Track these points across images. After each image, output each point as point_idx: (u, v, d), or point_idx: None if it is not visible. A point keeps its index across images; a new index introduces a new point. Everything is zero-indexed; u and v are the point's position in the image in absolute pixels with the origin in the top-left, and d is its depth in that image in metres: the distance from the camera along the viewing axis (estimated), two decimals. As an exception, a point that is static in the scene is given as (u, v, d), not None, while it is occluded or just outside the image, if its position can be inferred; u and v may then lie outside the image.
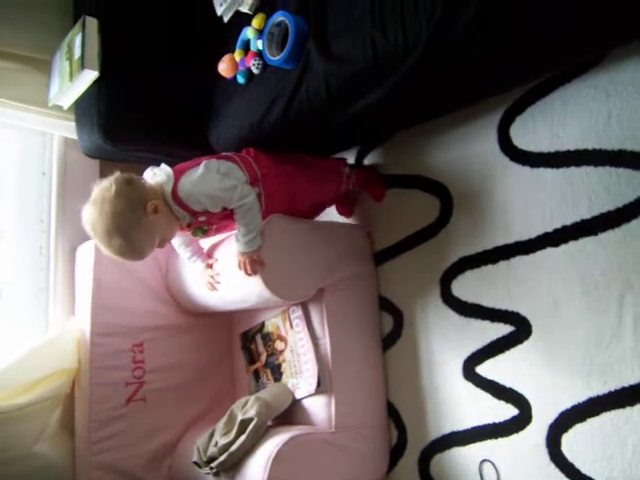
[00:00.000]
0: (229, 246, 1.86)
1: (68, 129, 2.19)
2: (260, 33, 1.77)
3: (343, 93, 1.60)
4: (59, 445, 2.04)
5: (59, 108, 2.13)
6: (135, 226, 1.54)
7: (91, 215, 1.54)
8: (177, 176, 1.63)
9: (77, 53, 1.92)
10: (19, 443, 1.90)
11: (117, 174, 1.58)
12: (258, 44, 1.76)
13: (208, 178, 1.63)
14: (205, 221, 1.70)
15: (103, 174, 2.33)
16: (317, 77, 1.62)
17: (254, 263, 1.71)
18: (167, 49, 2.07)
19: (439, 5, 1.31)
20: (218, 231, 1.81)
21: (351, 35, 1.53)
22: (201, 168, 1.64)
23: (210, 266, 1.91)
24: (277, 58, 1.68)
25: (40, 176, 2.31)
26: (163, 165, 1.67)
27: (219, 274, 1.89)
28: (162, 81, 2.05)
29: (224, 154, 1.80)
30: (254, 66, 1.78)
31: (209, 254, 1.95)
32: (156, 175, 1.65)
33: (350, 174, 2.05)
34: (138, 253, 1.59)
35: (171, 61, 2.07)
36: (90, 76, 1.93)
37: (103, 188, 1.54)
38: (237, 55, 1.85)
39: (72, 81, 1.94)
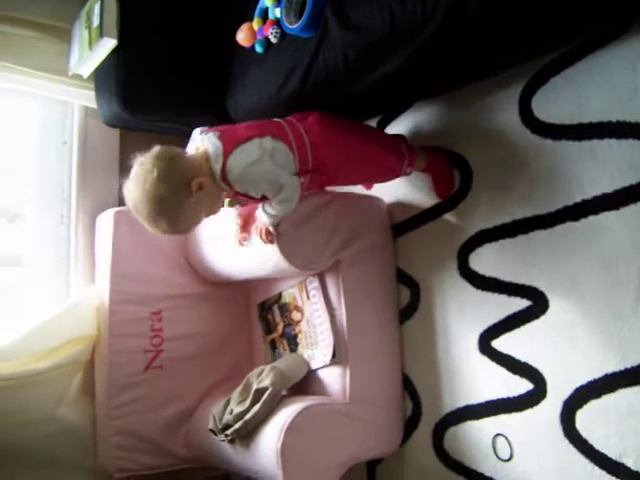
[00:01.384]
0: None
1: (88, 98, 2.19)
2: (278, 1, 1.74)
3: (360, 62, 1.58)
4: (80, 410, 2.08)
5: (79, 77, 2.14)
6: (179, 208, 1.46)
7: (134, 197, 1.46)
8: (227, 150, 1.51)
9: (96, 21, 1.92)
10: (41, 407, 1.96)
11: (158, 150, 1.47)
12: (276, 12, 1.74)
13: (260, 167, 1.53)
14: (244, 198, 1.66)
15: (123, 143, 2.38)
16: (334, 46, 1.59)
17: (269, 234, 1.71)
18: (186, 18, 2.05)
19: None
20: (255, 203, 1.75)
21: (369, 3, 1.50)
22: (255, 151, 1.53)
23: (243, 230, 1.84)
24: (295, 26, 1.66)
25: (61, 145, 2.32)
26: (211, 135, 1.55)
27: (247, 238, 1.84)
28: (180, 50, 2.03)
29: (282, 121, 1.66)
30: (272, 35, 1.76)
31: (247, 220, 1.85)
32: (204, 142, 1.55)
33: (413, 163, 1.89)
34: (183, 231, 1.56)
35: (189, 30, 2.05)
36: (109, 44, 1.92)
37: (145, 169, 1.44)
38: (255, 24, 1.83)
39: (91, 50, 1.94)
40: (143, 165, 1.44)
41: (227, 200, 1.69)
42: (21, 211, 2.35)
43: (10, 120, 2.37)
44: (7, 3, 2.07)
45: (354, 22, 1.55)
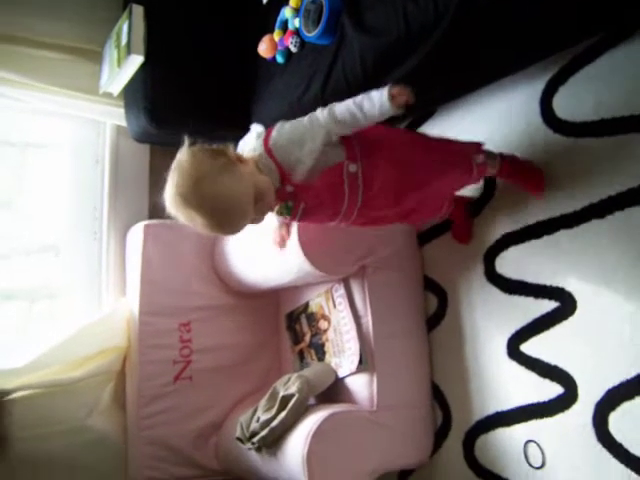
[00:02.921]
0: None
1: (119, 116, 2.27)
2: (297, 12, 1.79)
3: (378, 65, 1.60)
4: (111, 419, 2.11)
5: (110, 96, 2.21)
6: (222, 170, 1.29)
7: (172, 184, 1.31)
8: (270, 129, 1.43)
9: (124, 40, 2.00)
10: (73, 415, 2.00)
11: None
12: (295, 22, 1.79)
13: (299, 121, 1.42)
14: (292, 192, 1.43)
15: (153, 160, 2.43)
16: (352, 51, 1.63)
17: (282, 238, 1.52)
18: (209, 33, 2.12)
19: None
20: (305, 215, 1.50)
21: (384, 6, 1.53)
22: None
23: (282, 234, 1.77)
24: (313, 34, 1.70)
25: (94, 164, 2.40)
26: (254, 124, 1.48)
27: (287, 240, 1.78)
28: (206, 64, 2.09)
29: None
30: (292, 44, 1.81)
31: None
32: (246, 142, 1.46)
33: (486, 163, 1.66)
34: (236, 203, 1.31)
35: (213, 45, 2.11)
36: (136, 61, 2.00)
37: (176, 159, 1.34)
38: (276, 35, 1.88)
39: (120, 67, 2.02)
40: (175, 158, 1.35)
41: (276, 208, 1.49)
42: (57, 234, 2.41)
43: (45, 141, 2.46)
44: (43, 29, 2.18)
45: (370, 26, 1.58)
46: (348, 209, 1.51)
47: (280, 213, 1.50)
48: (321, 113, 1.41)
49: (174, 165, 1.35)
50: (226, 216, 1.33)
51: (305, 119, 1.41)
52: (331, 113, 1.39)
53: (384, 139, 1.52)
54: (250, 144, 1.44)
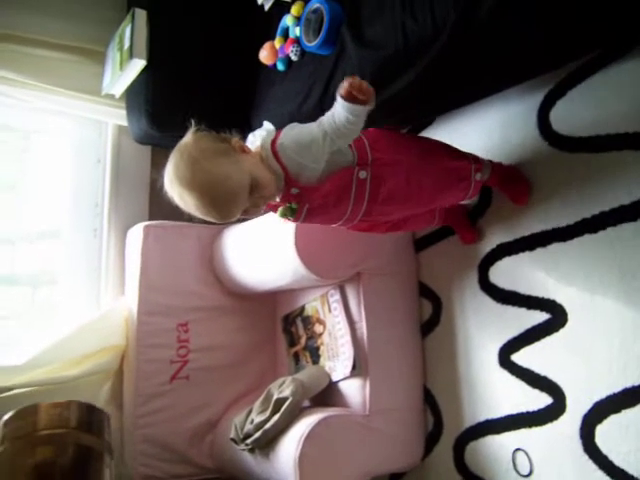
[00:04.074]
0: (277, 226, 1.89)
1: (121, 117, 2.29)
2: (298, 20, 1.80)
3: (376, 77, 1.60)
4: (108, 418, 2.14)
5: (112, 97, 2.23)
6: (221, 154, 1.31)
7: (171, 163, 1.33)
8: (280, 131, 1.43)
9: (127, 43, 2.02)
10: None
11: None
12: (296, 31, 1.80)
13: (307, 126, 1.42)
14: (297, 195, 1.43)
15: (154, 160, 2.45)
16: (351, 62, 1.64)
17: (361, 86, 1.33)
18: (212, 39, 2.14)
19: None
20: (308, 216, 1.50)
21: (383, 20, 1.55)
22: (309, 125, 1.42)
23: None
24: (313, 44, 1.72)
25: (95, 163, 2.42)
26: (266, 122, 1.46)
27: None
28: (207, 69, 2.11)
29: None
30: (292, 53, 1.82)
31: None
32: (255, 137, 1.44)
33: (483, 178, 1.70)
34: (229, 188, 1.29)
35: (215, 50, 2.13)
36: (138, 65, 2.02)
37: (179, 143, 1.35)
38: (277, 42, 1.90)
39: (122, 70, 2.04)
40: (179, 143, 1.36)
41: (280, 210, 1.48)
42: (57, 227, 2.44)
43: (47, 139, 2.48)
44: (46, 29, 2.20)
45: (369, 40, 1.60)
46: (351, 214, 1.53)
47: (284, 215, 1.48)
48: (328, 116, 1.39)
49: (177, 146, 1.36)
50: (217, 199, 1.31)
51: (314, 124, 1.40)
52: (332, 117, 1.37)
53: (397, 152, 1.54)
54: (258, 140, 1.43)
